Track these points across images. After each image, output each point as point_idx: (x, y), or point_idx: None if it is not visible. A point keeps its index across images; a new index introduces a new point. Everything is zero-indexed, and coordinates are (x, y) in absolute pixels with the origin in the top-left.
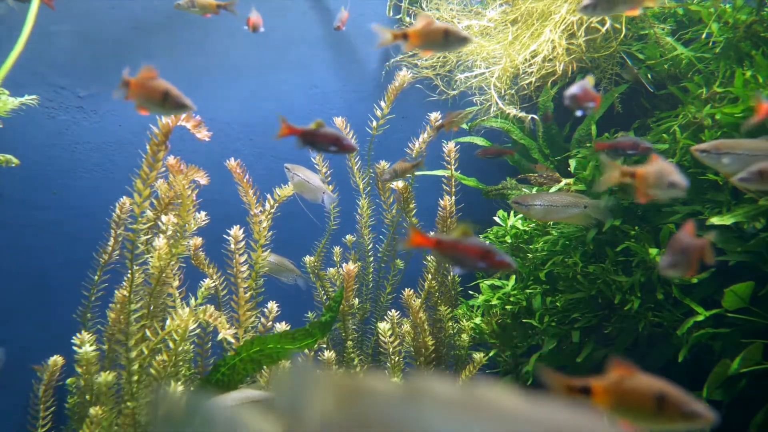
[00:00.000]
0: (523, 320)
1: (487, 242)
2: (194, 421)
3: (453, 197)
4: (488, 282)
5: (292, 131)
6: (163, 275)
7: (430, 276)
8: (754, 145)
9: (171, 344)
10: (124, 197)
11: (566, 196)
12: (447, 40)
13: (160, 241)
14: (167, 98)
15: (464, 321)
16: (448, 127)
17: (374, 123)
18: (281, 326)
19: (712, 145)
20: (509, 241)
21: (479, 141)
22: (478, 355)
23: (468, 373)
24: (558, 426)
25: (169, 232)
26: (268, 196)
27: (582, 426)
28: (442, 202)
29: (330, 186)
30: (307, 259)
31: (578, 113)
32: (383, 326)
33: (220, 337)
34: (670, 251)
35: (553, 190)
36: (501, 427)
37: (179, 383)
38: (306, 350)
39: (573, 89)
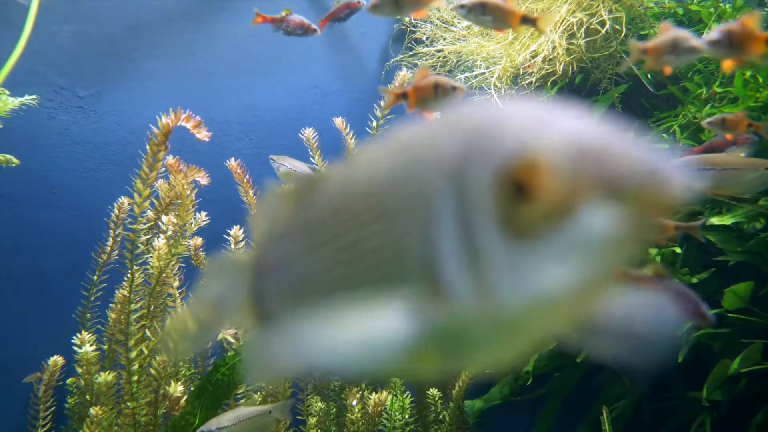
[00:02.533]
0: None
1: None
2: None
3: None
4: None
5: None
6: (163, 275)
7: None
8: (722, 160)
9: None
10: (123, 197)
11: None
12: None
13: (159, 242)
14: (438, 89)
15: None
16: None
17: (374, 123)
18: None
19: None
20: None
21: None
22: None
23: (468, 373)
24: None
25: (169, 233)
26: None
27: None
28: None
29: None
30: None
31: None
32: None
33: (220, 337)
34: None
35: None
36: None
37: (179, 383)
38: None
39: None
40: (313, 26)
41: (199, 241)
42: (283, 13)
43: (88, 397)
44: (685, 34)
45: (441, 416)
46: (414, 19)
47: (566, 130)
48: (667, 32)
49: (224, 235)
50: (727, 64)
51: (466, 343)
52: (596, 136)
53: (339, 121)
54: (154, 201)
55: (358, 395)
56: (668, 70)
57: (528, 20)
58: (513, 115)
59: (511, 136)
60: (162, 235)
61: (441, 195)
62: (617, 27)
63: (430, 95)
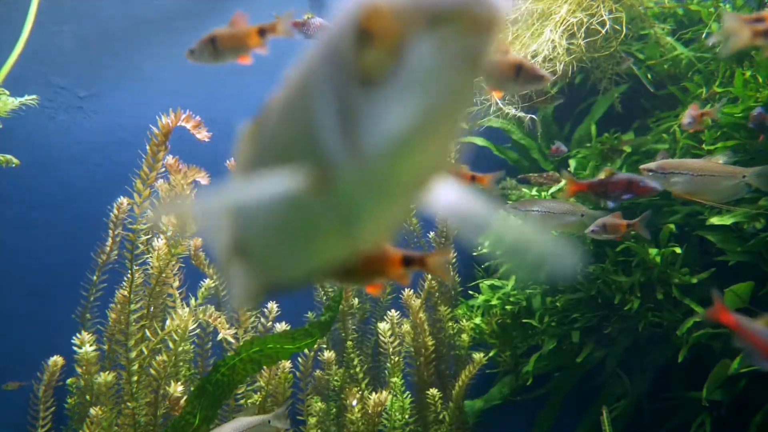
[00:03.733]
0: (523, 320)
1: None
2: None
3: None
4: (488, 282)
5: (579, 187)
6: (163, 275)
7: (430, 276)
8: (699, 166)
9: (171, 344)
10: (123, 197)
11: (564, 204)
12: None
13: (159, 242)
14: (521, 71)
15: (464, 321)
16: None
17: None
18: (281, 326)
19: (659, 165)
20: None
21: (479, 141)
22: (478, 355)
23: (468, 373)
24: None
25: (169, 233)
26: None
27: None
28: None
29: None
30: None
31: None
32: (383, 326)
33: (220, 337)
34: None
35: (552, 190)
36: None
37: (179, 383)
38: (306, 350)
39: None
40: None
41: (199, 241)
42: (306, 17)
43: (88, 397)
44: None
45: (441, 416)
46: None
47: None
48: None
49: None
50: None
51: (355, 210)
52: None
53: None
54: (155, 201)
55: (358, 395)
56: None
57: None
58: None
59: None
60: (162, 235)
61: (321, 71)
62: (617, 27)
63: (509, 75)
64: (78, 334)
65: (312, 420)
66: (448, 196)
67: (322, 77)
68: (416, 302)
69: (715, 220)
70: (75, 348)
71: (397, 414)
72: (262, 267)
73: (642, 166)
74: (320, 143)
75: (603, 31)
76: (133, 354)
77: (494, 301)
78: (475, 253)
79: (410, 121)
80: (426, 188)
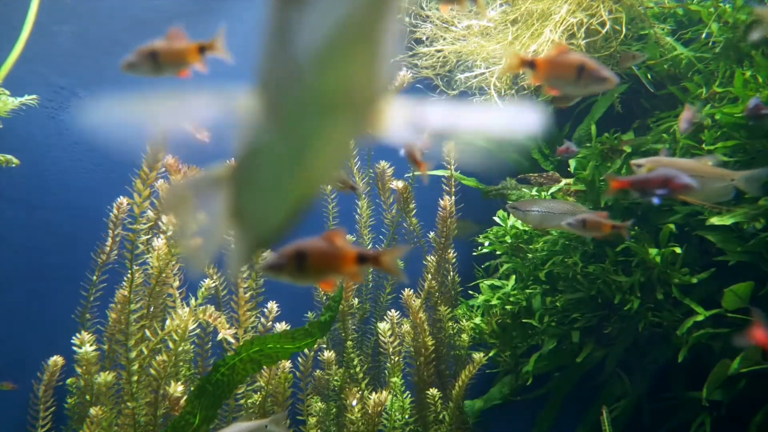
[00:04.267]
0: (523, 320)
1: None
2: None
3: (453, 197)
4: (488, 282)
5: (622, 184)
6: (163, 275)
7: (430, 276)
8: (688, 166)
9: (171, 344)
10: (122, 197)
11: (564, 204)
12: None
13: (159, 242)
14: (583, 72)
15: (464, 321)
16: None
17: None
18: (281, 326)
19: (650, 162)
20: (509, 241)
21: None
22: (478, 355)
23: (468, 373)
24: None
25: (170, 233)
26: None
27: None
28: (441, 202)
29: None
30: None
31: None
32: (383, 326)
33: (220, 337)
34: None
35: (552, 190)
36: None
37: (179, 383)
38: (306, 350)
39: None
40: None
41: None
42: None
43: (88, 397)
44: None
45: (441, 416)
46: (414, 20)
47: None
48: None
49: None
50: None
51: (304, 136)
52: None
53: None
54: (155, 201)
55: (358, 395)
56: None
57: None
58: None
59: None
60: (162, 235)
61: (270, 4)
62: (617, 27)
63: (570, 76)
64: (78, 334)
65: (312, 420)
66: (399, 118)
67: (270, 10)
68: (416, 302)
69: (715, 220)
70: (75, 348)
71: (397, 414)
72: (251, 222)
73: (632, 161)
74: (268, 66)
75: (603, 32)
76: (133, 354)
77: (494, 301)
78: (475, 253)
79: (328, 29)
80: (367, 107)
